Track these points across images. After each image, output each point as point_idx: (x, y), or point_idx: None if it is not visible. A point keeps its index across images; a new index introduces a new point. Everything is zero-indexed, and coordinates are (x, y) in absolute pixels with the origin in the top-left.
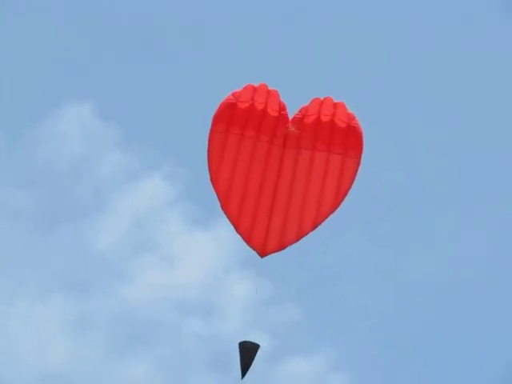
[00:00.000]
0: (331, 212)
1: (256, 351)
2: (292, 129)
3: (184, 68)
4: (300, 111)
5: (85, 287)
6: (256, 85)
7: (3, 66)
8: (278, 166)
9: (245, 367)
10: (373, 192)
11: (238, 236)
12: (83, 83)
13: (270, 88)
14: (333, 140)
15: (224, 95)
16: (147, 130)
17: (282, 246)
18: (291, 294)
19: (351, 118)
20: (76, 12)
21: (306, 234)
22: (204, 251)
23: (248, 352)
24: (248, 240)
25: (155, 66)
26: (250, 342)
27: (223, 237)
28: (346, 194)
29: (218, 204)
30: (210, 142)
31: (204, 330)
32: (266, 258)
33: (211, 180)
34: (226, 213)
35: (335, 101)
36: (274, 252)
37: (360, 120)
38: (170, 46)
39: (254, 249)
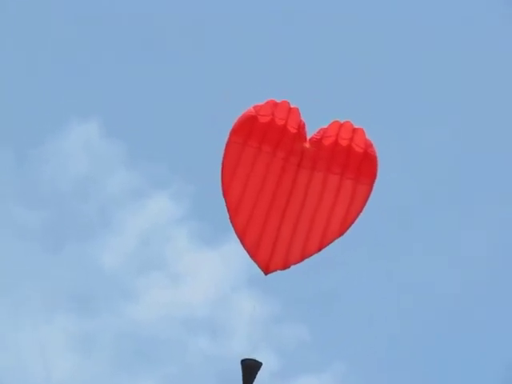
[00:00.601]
0: (337, 237)
1: (258, 369)
2: (308, 146)
3: (191, 86)
4: (318, 132)
5: (91, 305)
6: (278, 100)
7: (9, 85)
8: (290, 185)
9: None
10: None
11: (245, 253)
12: (89, 101)
13: (291, 105)
14: (347, 164)
15: (233, 114)
16: (154, 147)
17: (285, 265)
18: (298, 312)
19: (368, 144)
20: (81, 27)
21: (311, 255)
22: (211, 269)
23: (250, 370)
24: (253, 255)
25: (162, 84)
26: (253, 360)
27: (230, 255)
28: (354, 220)
29: (225, 222)
30: (225, 151)
31: (211, 348)
32: (273, 276)
33: (222, 190)
34: (233, 225)
35: (355, 126)
36: (277, 270)
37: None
38: (178, 64)
39: (258, 265)
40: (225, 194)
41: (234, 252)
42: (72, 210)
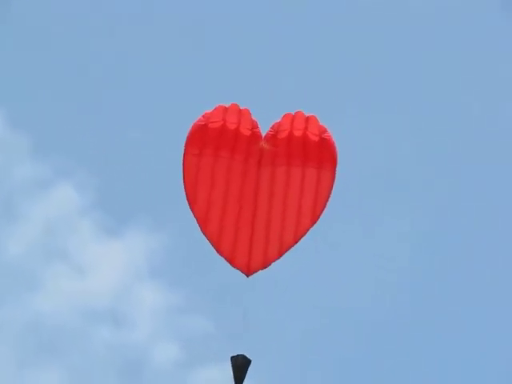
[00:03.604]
0: (311, 225)
1: (248, 366)
2: (265, 145)
3: (98, 77)
4: (272, 127)
5: None
6: (227, 105)
7: None
8: (254, 185)
9: (237, 382)
10: None
11: (153, 246)
12: None
13: (241, 107)
14: (306, 154)
15: (137, 108)
16: (58, 138)
17: (266, 263)
18: (203, 303)
19: (323, 130)
20: None
21: (289, 248)
22: (114, 260)
23: (239, 367)
24: (231, 261)
25: (66, 75)
26: (242, 357)
27: (134, 246)
28: (324, 206)
29: (128, 213)
30: (184, 165)
31: (114, 339)
32: (176, 267)
33: (188, 203)
34: (206, 236)
35: (306, 115)
36: (259, 270)
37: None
38: (84, 55)
39: (238, 269)
40: (191, 208)
41: (137, 243)
42: None
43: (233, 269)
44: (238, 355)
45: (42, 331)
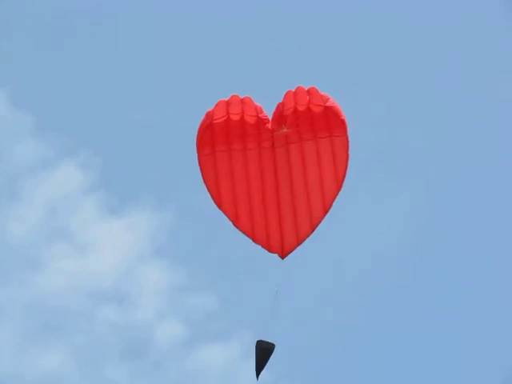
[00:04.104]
0: (337, 192)
1: (271, 352)
2: (284, 130)
3: (97, 59)
4: (277, 108)
5: None
6: (227, 98)
7: None
8: (273, 168)
9: (259, 368)
10: None
11: (156, 225)
12: None
13: (241, 97)
14: (315, 126)
15: (138, 88)
16: (61, 118)
17: (299, 241)
18: (206, 282)
19: (325, 99)
20: None
21: (320, 221)
22: (118, 239)
23: (263, 352)
24: (268, 247)
25: (69, 56)
26: (266, 342)
27: (137, 225)
28: (345, 172)
29: (131, 193)
30: (200, 166)
31: (118, 318)
32: (179, 246)
33: (216, 203)
34: (239, 229)
35: (306, 88)
36: (293, 249)
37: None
38: (83, 38)
39: (275, 253)
40: (220, 207)
41: (140, 222)
42: None
43: (236, 246)
44: (262, 340)
45: (45, 311)
